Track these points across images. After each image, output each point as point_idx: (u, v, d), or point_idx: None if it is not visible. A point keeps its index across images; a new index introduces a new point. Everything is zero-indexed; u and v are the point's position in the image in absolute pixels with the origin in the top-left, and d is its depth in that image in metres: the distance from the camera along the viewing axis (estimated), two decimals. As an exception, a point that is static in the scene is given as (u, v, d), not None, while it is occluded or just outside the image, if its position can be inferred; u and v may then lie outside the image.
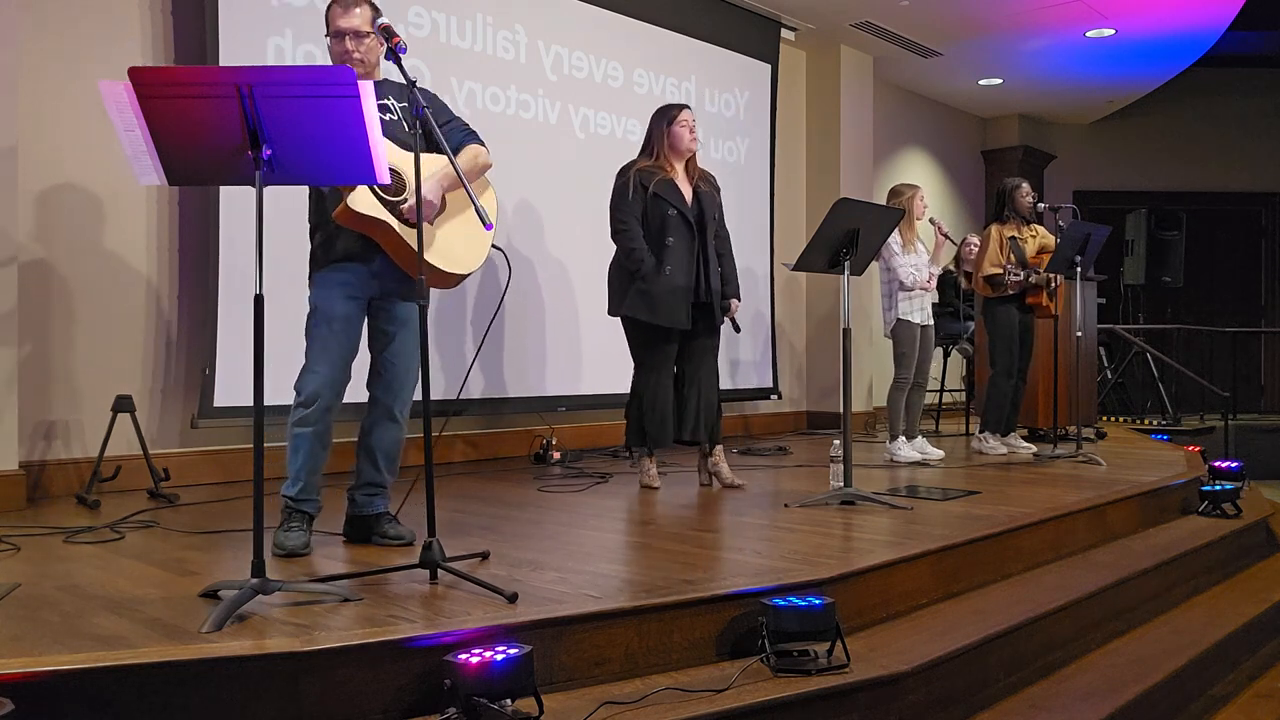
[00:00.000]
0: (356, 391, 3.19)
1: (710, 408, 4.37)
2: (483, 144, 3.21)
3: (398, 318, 3.11)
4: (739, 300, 4.43)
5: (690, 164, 4.32)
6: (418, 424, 2.71)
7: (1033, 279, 5.47)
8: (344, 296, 3.03)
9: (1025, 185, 5.74)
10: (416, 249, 2.90)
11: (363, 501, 3.13)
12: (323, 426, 3.01)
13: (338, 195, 2.89)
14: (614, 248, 4.30)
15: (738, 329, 4.47)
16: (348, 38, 3.00)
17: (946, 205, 9.66)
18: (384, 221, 2.92)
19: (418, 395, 2.83)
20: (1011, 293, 5.56)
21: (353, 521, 3.15)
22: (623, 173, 4.29)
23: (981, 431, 5.79)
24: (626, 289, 4.21)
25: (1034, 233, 5.73)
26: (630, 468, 5.11)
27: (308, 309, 3.07)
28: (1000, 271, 5.44)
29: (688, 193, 4.26)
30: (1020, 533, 3.48)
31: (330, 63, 3.12)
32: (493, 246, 3.22)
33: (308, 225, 3.15)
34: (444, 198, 3.08)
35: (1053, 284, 5.56)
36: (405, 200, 2.97)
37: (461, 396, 5.18)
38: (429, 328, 2.82)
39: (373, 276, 3.05)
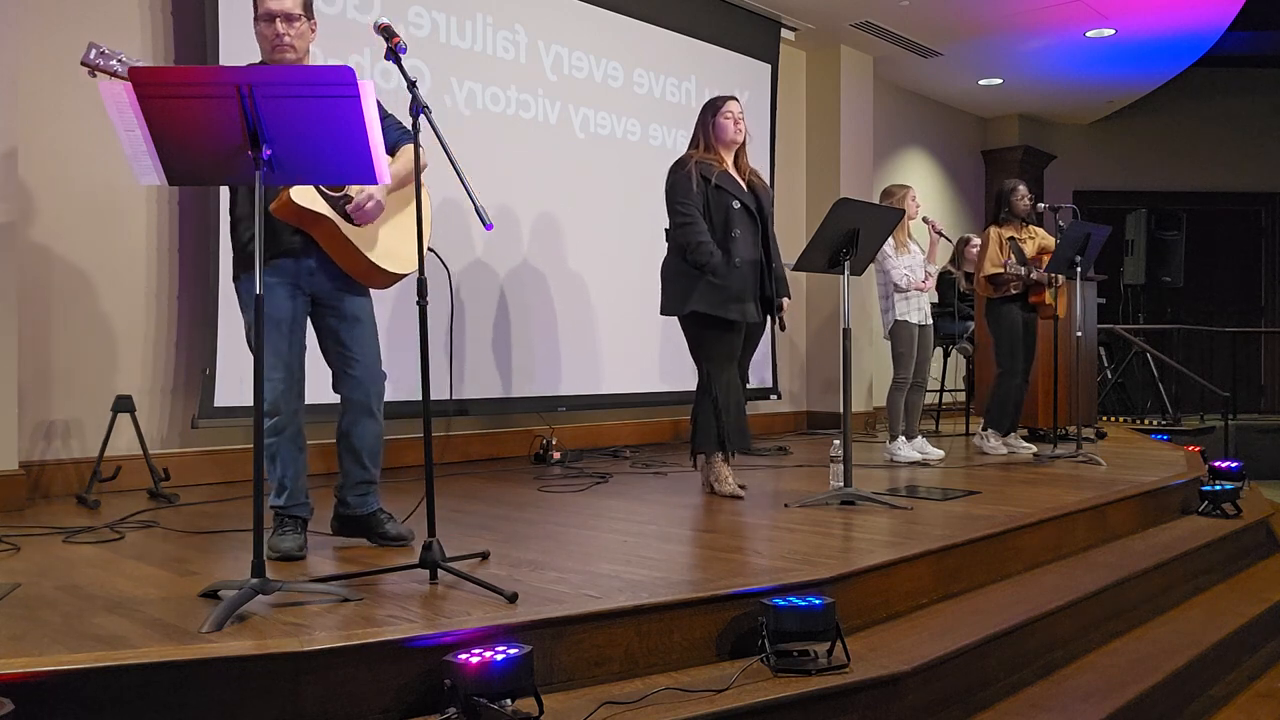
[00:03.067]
0: (324, 392, 3.16)
1: (743, 407, 4.28)
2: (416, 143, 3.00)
3: (348, 314, 3.02)
4: (790, 299, 4.32)
5: (740, 158, 4.22)
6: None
7: (1034, 275, 5.50)
8: (286, 295, 2.93)
9: (1022, 187, 5.77)
10: (358, 247, 2.89)
11: (356, 502, 3.07)
12: (294, 429, 2.96)
13: (275, 188, 2.78)
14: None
15: (783, 327, 4.39)
16: (278, 20, 2.84)
17: (946, 205, 9.66)
18: (325, 217, 2.83)
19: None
20: (1014, 292, 5.58)
21: (345, 521, 3.11)
22: (681, 164, 4.14)
23: (985, 429, 5.80)
24: (689, 285, 4.04)
25: (1032, 234, 5.77)
26: (630, 467, 5.11)
27: (243, 311, 2.98)
28: (1001, 270, 5.46)
29: (743, 185, 4.17)
30: (1020, 533, 3.48)
31: (259, 46, 2.95)
32: (429, 250, 3.16)
33: (230, 218, 3.03)
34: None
35: (1055, 283, 5.57)
36: (348, 198, 2.89)
37: (462, 397, 5.18)
38: (382, 321, 2.74)
39: (311, 273, 2.95)
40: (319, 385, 3.12)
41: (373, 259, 2.94)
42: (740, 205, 4.08)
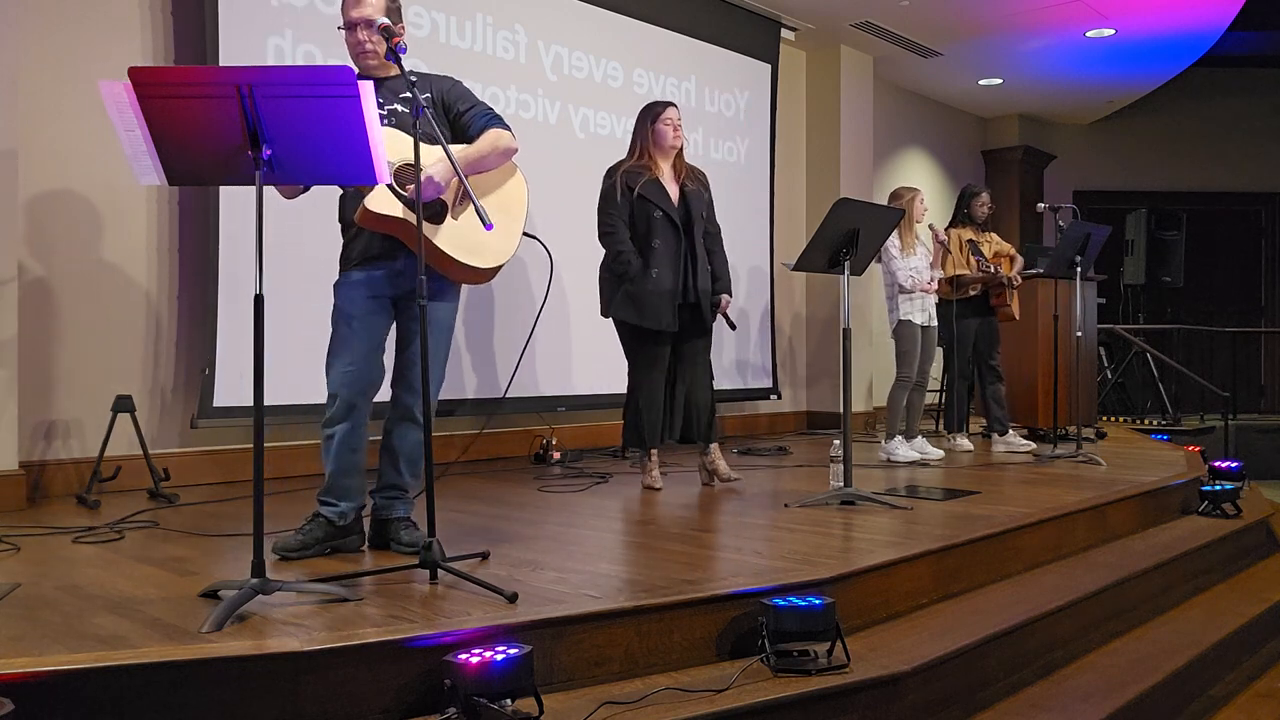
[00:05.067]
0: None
1: (704, 407, 4.39)
2: (507, 128, 3.09)
3: (419, 318, 3.04)
4: (730, 296, 4.41)
5: (677, 161, 4.31)
6: (439, 423, 2.70)
7: (999, 274, 5.69)
8: (365, 295, 2.98)
9: (985, 195, 5.98)
10: (436, 245, 2.90)
11: (382, 504, 3.07)
12: (348, 427, 2.94)
13: (359, 196, 2.85)
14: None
15: (733, 326, 4.46)
16: (359, 28, 2.95)
17: (946, 205, 9.64)
18: (404, 220, 2.86)
19: (447, 395, 2.77)
20: (973, 294, 5.72)
21: (374, 525, 3.10)
22: (609, 174, 4.29)
23: (949, 430, 6.04)
24: (614, 291, 4.23)
25: (988, 239, 5.97)
26: (631, 468, 5.12)
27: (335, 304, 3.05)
28: (964, 272, 5.61)
29: (674, 192, 4.25)
30: (1020, 533, 3.48)
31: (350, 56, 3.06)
32: (529, 236, 3.15)
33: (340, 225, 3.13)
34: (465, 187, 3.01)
35: (1015, 284, 5.80)
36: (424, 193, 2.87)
37: (461, 397, 5.18)
38: (458, 326, 2.74)
39: (397, 275, 3.00)
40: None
41: (455, 256, 2.93)
42: (662, 214, 4.19)
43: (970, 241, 5.73)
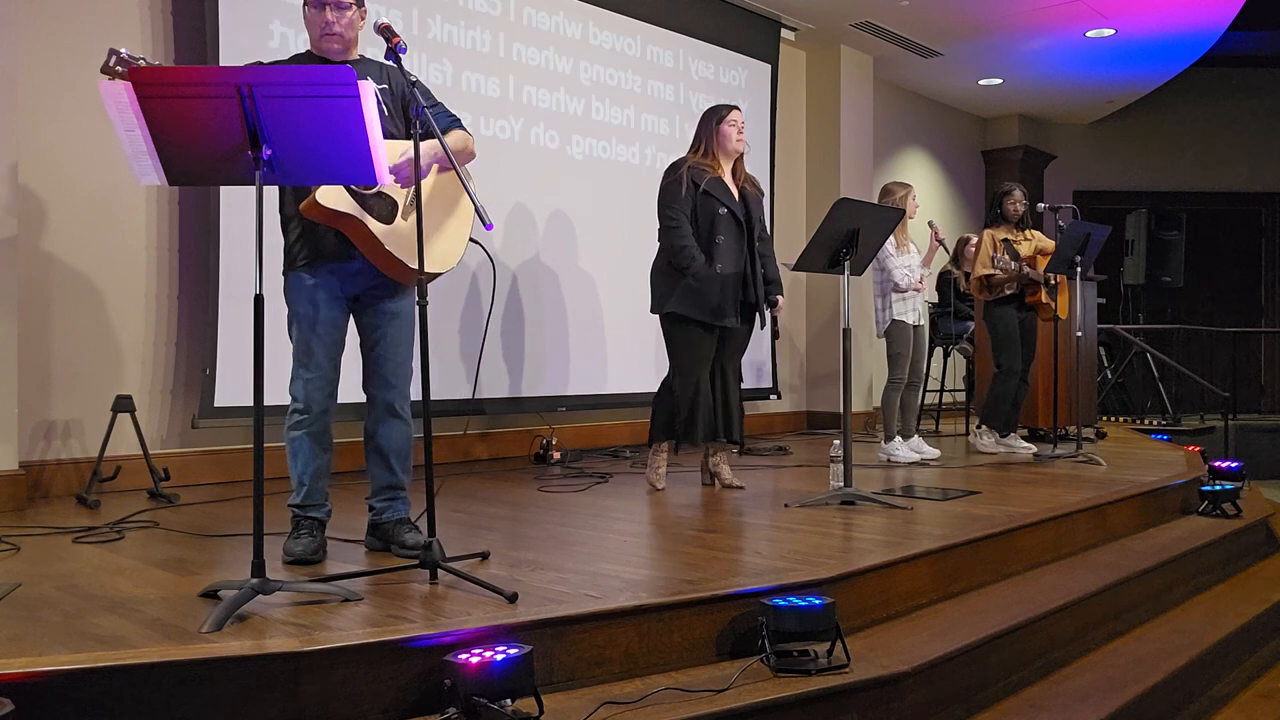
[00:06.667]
0: (355, 391, 3.14)
1: (737, 404, 4.38)
2: (467, 130, 3.06)
3: (384, 313, 2.98)
4: (783, 297, 4.40)
5: (738, 165, 4.31)
6: (420, 423, 2.70)
7: (1026, 271, 5.52)
8: (325, 298, 2.91)
9: (1017, 192, 5.78)
10: (384, 246, 2.83)
11: (381, 508, 3.03)
12: (319, 428, 2.92)
13: (306, 188, 2.76)
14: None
15: (776, 335, 4.46)
16: (328, 8, 2.84)
17: (946, 205, 9.66)
18: (353, 217, 2.78)
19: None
20: (1009, 292, 5.61)
21: (373, 529, 3.06)
22: (674, 169, 4.25)
23: (979, 427, 5.85)
24: (673, 286, 4.16)
25: (1029, 236, 5.78)
26: (631, 467, 5.11)
27: (286, 310, 2.96)
28: (994, 272, 5.49)
29: (735, 192, 4.25)
30: (1020, 533, 3.48)
31: (307, 32, 2.94)
32: (473, 241, 3.08)
33: (280, 217, 3.01)
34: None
35: (1051, 281, 5.59)
36: (380, 194, 2.82)
37: (461, 397, 5.18)
38: (429, 326, 2.75)
39: (353, 275, 2.92)
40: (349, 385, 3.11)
41: (401, 258, 2.87)
42: (727, 211, 4.17)
43: (1005, 241, 5.61)
